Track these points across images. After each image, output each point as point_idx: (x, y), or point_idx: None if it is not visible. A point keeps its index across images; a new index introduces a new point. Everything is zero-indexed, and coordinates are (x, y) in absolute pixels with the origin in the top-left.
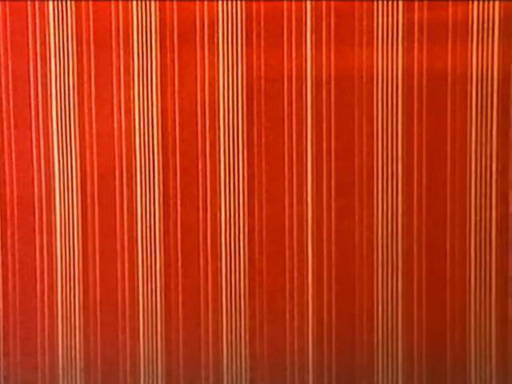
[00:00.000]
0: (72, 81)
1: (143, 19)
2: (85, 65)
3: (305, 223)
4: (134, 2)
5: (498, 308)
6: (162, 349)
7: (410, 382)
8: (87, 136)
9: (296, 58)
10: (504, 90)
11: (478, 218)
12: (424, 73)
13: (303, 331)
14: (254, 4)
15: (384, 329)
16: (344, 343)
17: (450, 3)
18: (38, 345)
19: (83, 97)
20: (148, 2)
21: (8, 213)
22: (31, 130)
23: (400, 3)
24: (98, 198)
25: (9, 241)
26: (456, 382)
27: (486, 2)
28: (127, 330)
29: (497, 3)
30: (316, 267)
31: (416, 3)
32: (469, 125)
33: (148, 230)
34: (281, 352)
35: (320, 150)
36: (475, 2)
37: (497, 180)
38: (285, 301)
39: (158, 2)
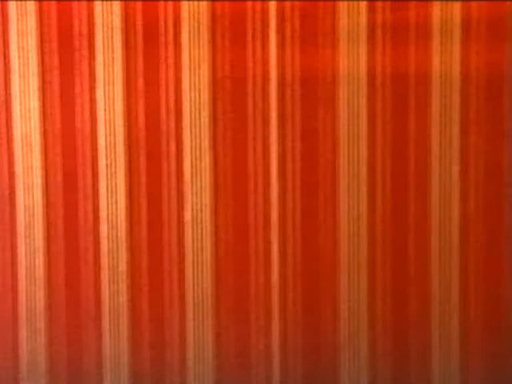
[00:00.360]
0: (35, 81)
1: (107, 19)
2: (47, 65)
3: (270, 223)
4: (98, 2)
5: (459, 306)
6: (126, 350)
7: (374, 380)
8: (50, 136)
9: (260, 58)
10: (465, 90)
11: (441, 217)
12: (387, 73)
13: (268, 331)
14: (219, 4)
15: (348, 328)
16: (309, 342)
17: (413, 5)
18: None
19: (46, 97)
20: (111, 2)
21: None
22: None
23: (363, 4)
24: (62, 198)
25: None
26: (420, 380)
27: (447, 4)
28: (91, 331)
29: (457, 5)
30: (281, 267)
31: (379, 4)
32: (431, 125)
33: (112, 230)
34: (246, 352)
35: (284, 149)
36: (436, 4)
37: (459, 180)
38: (250, 300)
39: (121, 2)
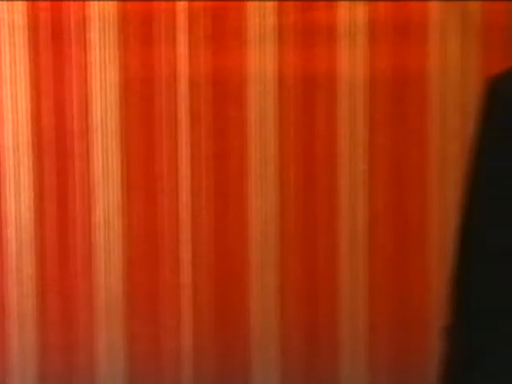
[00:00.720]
0: None
1: (11, 18)
2: None
3: (180, 223)
4: (4, 2)
5: (368, 304)
6: (34, 353)
7: (285, 379)
8: None
9: (170, 58)
10: (372, 91)
11: (349, 216)
12: (295, 74)
13: (179, 331)
14: (127, 4)
15: (259, 327)
16: (221, 342)
17: (320, 6)
18: None
19: None
20: (16, 2)
21: None
22: None
23: (271, 5)
24: None
25: None
26: (329, 378)
27: (354, 6)
28: None
29: (364, 7)
30: (192, 267)
31: (287, 5)
32: (338, 126)
33: (18, 231)
34: (157, 352)
35: (195, 150)
36: (343, 6)
37: (367, 180)
38: (160, 301)
39: (26, 2)
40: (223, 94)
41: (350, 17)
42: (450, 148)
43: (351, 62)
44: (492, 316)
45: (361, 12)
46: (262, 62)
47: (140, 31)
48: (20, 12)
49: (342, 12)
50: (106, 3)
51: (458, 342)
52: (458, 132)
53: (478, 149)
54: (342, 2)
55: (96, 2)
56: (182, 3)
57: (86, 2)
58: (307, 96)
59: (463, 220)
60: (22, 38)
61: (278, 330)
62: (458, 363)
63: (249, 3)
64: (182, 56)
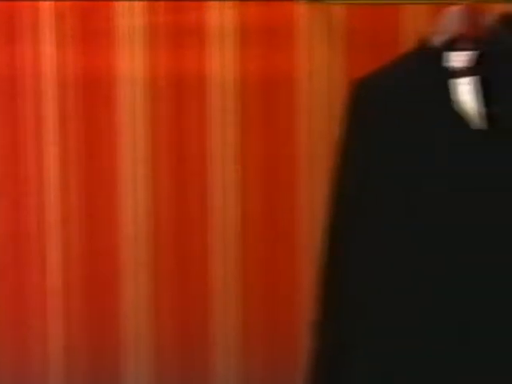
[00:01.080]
0: None
1: None
2: None
3: (48, 226)
4: None
5: (240, 304)
6: None
7: (158, 379)
8: None
9: (34, 56)
10: (242, 92)
11: (222, 216)
12: (166, 75)
13: (47, 338)
14: None
15: (131, 328)
16: (92, 344)
17: (190, 7)
18: None
19: None
20: None
21: None
22: None
23: (141, 5)
24: None
25: None
26: (201, 377)
27: (224, 8)
28: None
29: (234, 9)
30: (63, 270)
31: (158, 5)
32: (210, 127)
33: None
34: (24, 360)
35: (64, 150)
36: (213, 8)
37: (239, 181)
38: (27, 306)
39: None
40: (92, 94)
41: (220, 19)
42: (317, 148)
43: (222, 64)
44: (357, 313)
45: (230, 14)
46: (131, 62)
47: (3, 30)
48: None
49: (212, 14)
50: None
51: (326, 339)
52: (325, 133)
53: (343, 148)
54: (212, 4)
55: None
56: (47, 3)
57: None
58: (178, 97)
59: (330, 219)
60: None
61: (150, 330)
62: (326, 359)
63: (117, 3)
64: (47, 55)
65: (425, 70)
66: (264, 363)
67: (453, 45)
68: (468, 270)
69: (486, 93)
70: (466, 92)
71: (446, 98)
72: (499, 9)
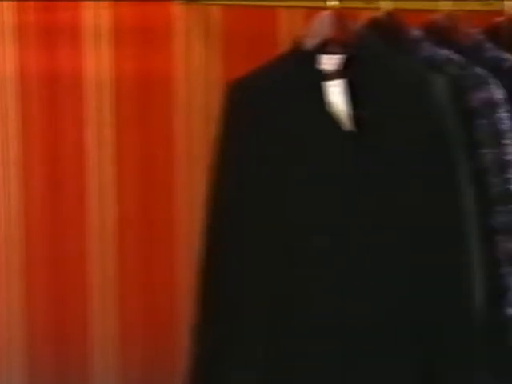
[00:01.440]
0: None
1: None
2: None
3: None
4: None
5: (118, 305)
6: None
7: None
8: None
9: None
10: (117, 92)
11: (99, 218)
12: (39, 74)
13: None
14: None
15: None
16: None
17: (64, 7)
18: None
19: None
20: None
21: None
22: None
23: (10, 4)
24: None
25: None
26: (79, 377)
27: (99, 8)
28: None
29: (109, 9)
30: None
31: (28, 5)
32: (85, 127)
33: None
34: None
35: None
36: (87, 7)
37: (116, 181)
38: None
39: None
40: None
41: (95, 18)
42: (195, 148)
43: (97, 64)
44: (233, 315)
45: (105, 14)
46: (2, 62)
47: None
48: None
49: (87, 13)
50: None
51: (204, 341)
52: (203, 133)
53: (220, 149)
54: (87, 4)
55: None
56: None
57: None
58: (52, 97)
59: (208, 220)
60: None
61: (22, 331)
62: (204, 364)
63: None
64: None
65: (299, 72)
66: (142, 364)
67: (324, 48)
68: (330, 273)
69: (355, 95)
70: (336, 94)
71: (319, 99)
72: (367, 14)
